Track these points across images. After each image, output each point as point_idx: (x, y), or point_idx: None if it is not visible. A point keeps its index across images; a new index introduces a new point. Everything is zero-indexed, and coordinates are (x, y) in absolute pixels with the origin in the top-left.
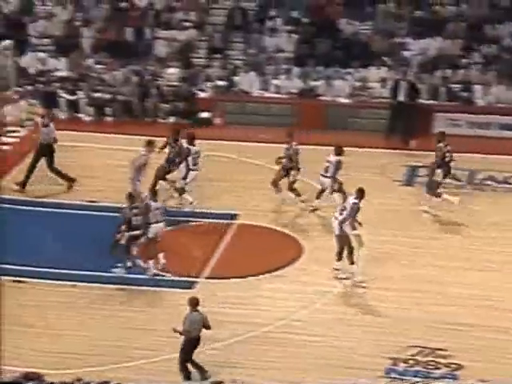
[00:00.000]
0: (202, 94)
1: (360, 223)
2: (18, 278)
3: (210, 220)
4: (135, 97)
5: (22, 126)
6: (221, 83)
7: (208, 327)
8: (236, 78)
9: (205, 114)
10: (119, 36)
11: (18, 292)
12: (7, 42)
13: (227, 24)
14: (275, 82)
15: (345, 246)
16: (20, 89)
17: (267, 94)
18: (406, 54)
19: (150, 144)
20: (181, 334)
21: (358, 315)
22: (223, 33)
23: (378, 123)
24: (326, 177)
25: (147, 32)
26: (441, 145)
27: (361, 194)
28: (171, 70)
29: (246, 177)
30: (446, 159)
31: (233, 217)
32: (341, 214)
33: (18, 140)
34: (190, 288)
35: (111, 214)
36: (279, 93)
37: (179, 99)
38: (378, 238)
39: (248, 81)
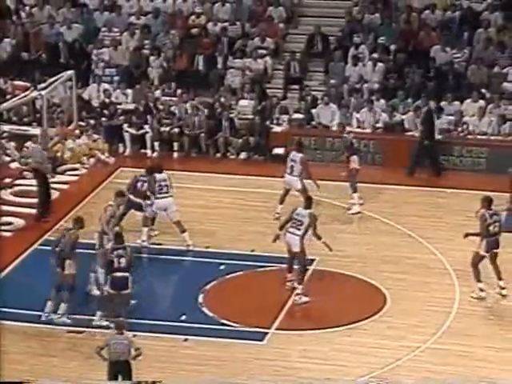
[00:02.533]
0: (276, 128)
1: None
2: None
3: (284, 265)
4: (205, 131)
5: (82, 163)
6: (298, 116)
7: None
8: (314, 111)
9: (279, 150)
10: (189, 65)
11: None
12: (69, 73)
13: (306, 51)
14: (358, 115)
15: (304, 264)
16: (82, 123)
17: (348, 129)
18: (507, 85)
19: (119, 195)
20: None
21: (447, 374)
22: (302, 61)
23: (475, 162)
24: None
25: (219, 60)
26: None
27: (309, 201)
28: (244, 102)
29: (324, 219)
30: None
31: (310, 262)
32: (298, 228)
33: (77, 178)
34: (260, 340)
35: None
36: (362, 127)
37: (252, 133)
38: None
39: (328, 114)
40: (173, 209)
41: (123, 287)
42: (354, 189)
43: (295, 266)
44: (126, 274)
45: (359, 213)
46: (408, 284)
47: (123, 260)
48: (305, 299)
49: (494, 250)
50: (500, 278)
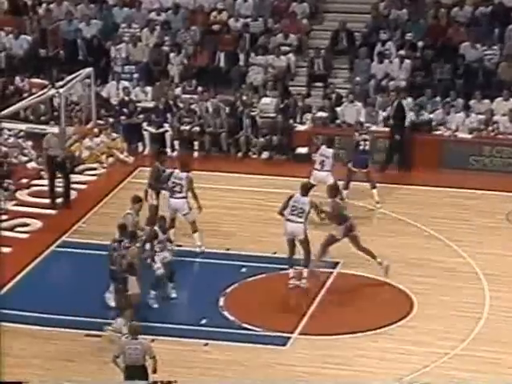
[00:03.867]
0: (300, 127)
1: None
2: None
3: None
4: (226, 129)
5: (100, 163)
6: (321, 115)
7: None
8: (339, 109)
9: (303, 150)
10: (210, 62)
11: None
12: (88, 70)
13: (331, 48)
14: (384, 113)
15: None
16: (101, 121)
17: (374, 128)
18: None
19: (136, 201)
20: None
21: (476, 382)
22: (326, 58)
23: (505, 162)
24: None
25: (241, 57)
26: None
27: (306, 188)
28: (266, 100)
29: None
30: None
31: (333, 265)
32: (299, 216)
33: (95, 178)
34: (283, 345)
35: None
36: (389, 126)
37: (274, 132)
38: (505, 294)
39: (353, 112)
40: (185, 210)
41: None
42: (345, 186)
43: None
44: (125, 276)
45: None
46: (435, 288)
47: (123, 261)
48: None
49: None
50: None
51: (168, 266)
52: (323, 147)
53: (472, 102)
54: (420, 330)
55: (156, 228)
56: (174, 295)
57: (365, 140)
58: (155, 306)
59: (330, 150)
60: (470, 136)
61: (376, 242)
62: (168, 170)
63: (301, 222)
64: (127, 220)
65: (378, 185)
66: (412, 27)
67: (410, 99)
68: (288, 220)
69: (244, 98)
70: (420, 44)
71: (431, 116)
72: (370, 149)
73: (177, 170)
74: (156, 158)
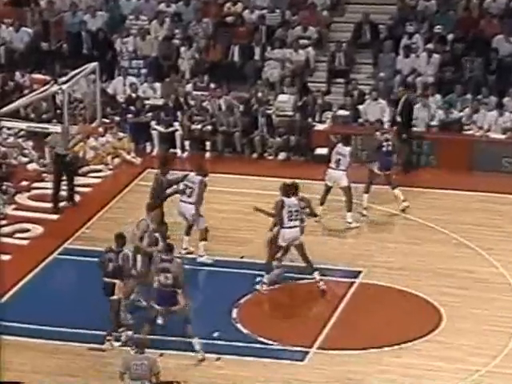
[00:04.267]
0: (319, 126)
1: None
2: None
3: (327, 278)
4: (240, 129)
5: (106, 164)
6: (343, 113)
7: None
8: (361, 107)
9: (322, 151)
10: (224, 56)
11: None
12: (92, 65)
13: (353, 41)
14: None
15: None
16: (106, 120)
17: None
18: None
19: (152, 208)
20: None
21: None
22: (348, 52)
23: None
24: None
25: (257, 51)
26: None
27: (286, 189)
28: (283, 97)
29: (372, 227)
30: None
31: (356, 274)
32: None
33: (100, 181)
34: (301, 360)
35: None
36: (415, 126)
37: (292, 132)
38: None
39: (376, 111)
40: (192, 216)
41: (108, 293)
42: (366, 189)
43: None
44: (112, 280)
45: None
46: (466, 300)
47: (110, 265)
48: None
49: None
50: None
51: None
52: (340, 145)
53: (506, 100)
54: (449, 345)
55: (157, 235)
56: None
57: (387, 140)
58: (159, 321)
59: (347, 148)
60: (503, 136)
61: (400, 249)
62: (180, 173)
63: (297, 226)
64: (141, 227)
65: (403, 188)
66: (441, 19)
67: (438, 96)
68: (288, 227)
69: (259, 94)
70: (449, 37)
71: (461, 114)
72: (392, 149)
73: (192, 173)
74: (160, 167)
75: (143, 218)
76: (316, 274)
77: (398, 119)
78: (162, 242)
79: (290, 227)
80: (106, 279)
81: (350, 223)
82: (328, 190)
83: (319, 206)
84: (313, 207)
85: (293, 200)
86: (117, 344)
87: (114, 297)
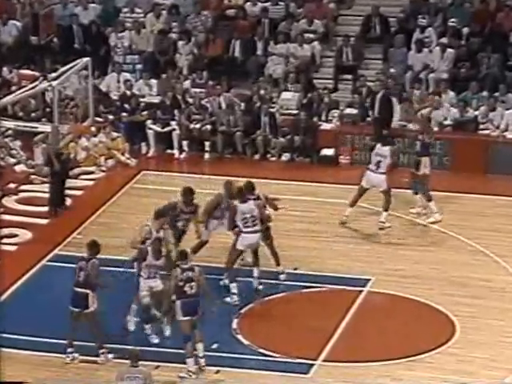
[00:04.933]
0: (325, 126)
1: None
2: None
3: (334, 286)
4: (241, 128)
5: (98, 166)
6: (350, 111)
7: None
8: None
9: (329, 151)
10: (224, 51)
11: None
12: (85, 60)
13: (361, 35)
14: (422, 110)
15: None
16: (99, 118)
17: (412, 127)
18: None
19: (159, 215)
20: None
21: None
22: (356, 47)
23: None
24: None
25: (259, 46)
26: None
27: (241, 192)
28: (287, 95)
29: (380, 231)
30: None
31: (364, 282)
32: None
33: (93, 183)
34: (305, 373)
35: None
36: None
37: (296, 132)
38: None
39: None
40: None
41: (81, 305)
42: (428, 196)
43: None
44: (85, 291)
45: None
46: (480, 311)
47: (81, 274)
48: None
49: None
50: None
51: (157, 297)
52: (378, 145)
53: None
54: (462, 357)
55: (146, 247)
56: (167, 332)
57: (416, 140)
58: (155, 341)
59: (386, 148)
60: None
61: (412, 256)
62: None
63: (258, 231)
64: (142, 233)
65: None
66: (456, 12)
67: (452, 94)
68: (246, 233)
69: (262, 92)
70: (465, 31)
71: (476, 113)
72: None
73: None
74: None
75: (147, 222)
76: (255, 271)
77: (376, 115)
78: (151, 258)
79: (249, 232)
80: (78, 289)
81: (383, 223)
82: (363, 192)
83: (349, 208)
84: (273, 202)
85: (248, 205)
86: (111, 356)
87: (91, 309)
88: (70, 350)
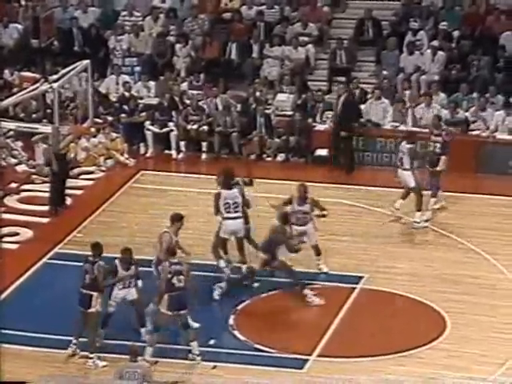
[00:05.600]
0: (319, 127)
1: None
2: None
3: (328, 283)
4: (237, 129)
5: (98, 166)
6: None
7: None
8: (363, 107)
9: (323, 152)
10: (220, 54)
11: None
12: (84, 63)
13: (355, 38)
14: (414, 111)
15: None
16: (99, 120)
17: (403, 128)
18: None
19: (177, 219)
20: None
21: None
22: (349, 49)
23: None
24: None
25: (255, 49)
26: None
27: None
28: (282, 96)
29: (374, 231)
30: None
31: (357, 280)
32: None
33: (92, 183)
34: (300, 368)
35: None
36: (419, 126)
37: (291, 132)
38: None
39: (379, 110)
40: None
41: (84, 304)
42: (435, 192)
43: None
44: (89, 292)
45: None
46: (471, 307)
47: (87, 277)
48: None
49: None
50: None
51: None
52: (403, 143)
53: None
54: (453, 353)
55: (116, 262)
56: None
57: (435, 142)
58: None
59: (407, 146)
60: (510, 137)
61: (405, 254)
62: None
63: (240, 217)
64: (165, 239)
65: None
66: (447, 15)
67: (443, 95)
68: (228, 219)
69: (258, 93)
70: (455, 34)
71: (467, 114)
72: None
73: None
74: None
75: (165, 229)
76: (243, 268)
77: (339, 117)
78: (121, 270)
79: (230, 218)
80: (83, 290)
81: (417, 223)
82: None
83: (400, 200)
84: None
85: (232, 192)
86: (101, 364)
87: (92, 309)
88: (74, 341)
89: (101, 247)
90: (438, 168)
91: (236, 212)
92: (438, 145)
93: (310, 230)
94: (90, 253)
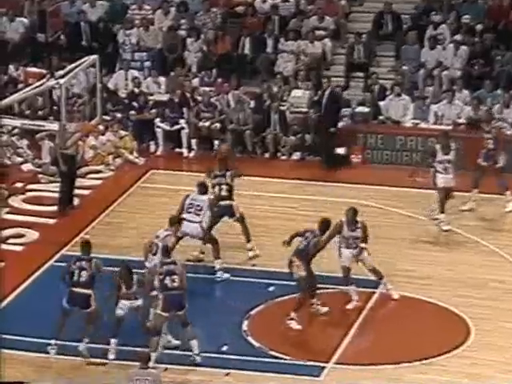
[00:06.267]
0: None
1: None
2: None
3: (346, 287)
4: (251, 126)
5: (106, 165)
6: (362, 110)
7: None
8: (382, 104)
9: (340, 150)
10: (233, 49)
11: None
12: (92, 58)
13: (373, 32)
14: (435, 108)
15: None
16: (107, 117)
17: (424, 125)
18: None
19: (175, 222)
20: None
21: None
22: (368, 44)
23: None
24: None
25: (269, 43)
26: None
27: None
28: (298, 93)
29: (393, 232)
30: None
31: (376, 284)
32: (196, 214)
33: (101, 182)
34: (317, 376)
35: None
36: (441, 123)
37: (307, 130)
38: None
39: (399, 107)
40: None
41: (82, 304)
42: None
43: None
44: (87, 291)
45: None
46: (496, 312)
47: (84, 273)
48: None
49: None
50: None
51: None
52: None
53: None
54: (478, 361)
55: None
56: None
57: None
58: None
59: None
60: None
61: (425, 257)
62: None
63: (198, 222)
64: (169, 242)
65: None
66: (469, 8)
67: (466, 92)
68: (186, 220)
69: (272, 90)
70: (478, 27)
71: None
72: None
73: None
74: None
75: (167, 232)
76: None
77: (322, 113)
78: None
79: (187, 220)
80: (79, 290)
81: (442, 222)
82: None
83: (440, 214)
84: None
85: (201, 197)
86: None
87: (92, 308)
88: (53, 342)
89: (91, 246)
90: (499, 164)
91: (196, 215)
92: (491, 141)
93: (363, 254)
94: (94, 254)
